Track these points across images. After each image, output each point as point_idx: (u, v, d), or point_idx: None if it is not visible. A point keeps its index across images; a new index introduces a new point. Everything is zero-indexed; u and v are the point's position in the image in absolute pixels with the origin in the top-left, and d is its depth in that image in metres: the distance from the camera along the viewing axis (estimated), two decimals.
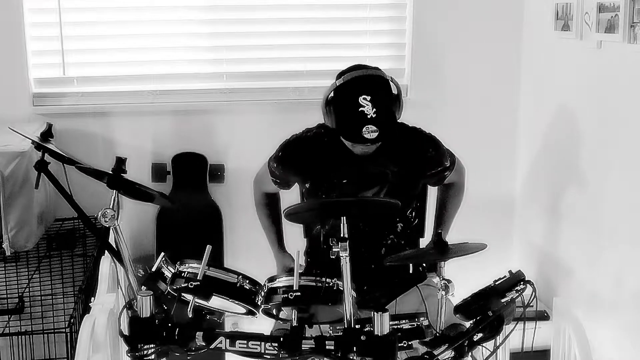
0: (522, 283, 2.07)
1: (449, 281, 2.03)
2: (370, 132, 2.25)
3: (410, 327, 2.07)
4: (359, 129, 2.25)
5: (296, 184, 2.67)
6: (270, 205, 2.75)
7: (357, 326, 1.94)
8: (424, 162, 2.57)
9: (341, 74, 2.38)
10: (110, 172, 2.13)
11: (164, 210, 3.44)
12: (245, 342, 1.96)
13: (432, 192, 2.78)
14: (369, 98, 2.25)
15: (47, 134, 2.33)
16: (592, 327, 2.81)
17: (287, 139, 2.63)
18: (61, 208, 3.24)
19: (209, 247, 2.04)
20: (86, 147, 3.41)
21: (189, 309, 2.04)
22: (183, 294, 2.05)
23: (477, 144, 3.72)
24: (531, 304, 2.05)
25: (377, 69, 2.41)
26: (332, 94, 2.34)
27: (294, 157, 2.59)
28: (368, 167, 2.53)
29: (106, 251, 2.50)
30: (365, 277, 2.47)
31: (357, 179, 2.54)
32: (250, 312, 2.10)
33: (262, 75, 3.62)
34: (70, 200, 2.28)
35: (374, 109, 2.25)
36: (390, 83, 2.37)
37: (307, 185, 2.60)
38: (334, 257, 1.93)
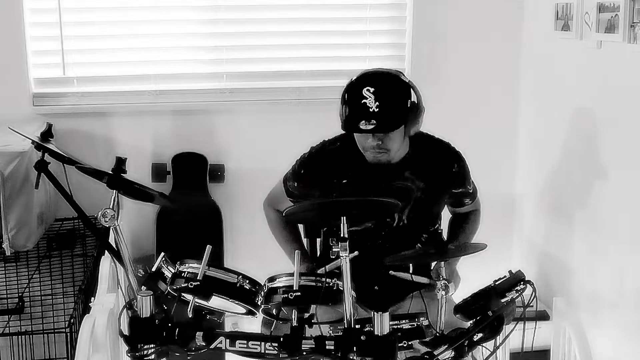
0: (522, 283, 2.07)
1: (449, 281, 2.03)
2: (367, 124, 2.22)
3: (410, 327, 2.06)
4: (358, 120, 2.23)
5: None
6: (289, 228, 2.63)
7: (357, 326, 1.94)
8: (449, 179, 2.50)
9: None
10: (110, 172, 2.13)
11: (164, 210, 3.44)
12: (245, 342, 1.96)
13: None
14: (372, 90, 2.22)
15: (47, 134, 2.33)
16: (592, 327, 2.81)
17: (305, 154, 2.54)
18: (61, 208, 3.25)
19: (209, 247, 2.04)
20: (86, 147, 3.41)
21: (189, 309, 2.03)
22: (183, 294, 2.05)
23: (477, 143, 3.71)
24: (531, 304, 2.05)
25: (398, 71, 2.37)
26: (345, 90, 2.32)
27: (316, 173, 2.50)
28: (391, 183, 2.44)
29: (106, 251, 2.50)
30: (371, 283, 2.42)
31: (378, 196, 2.34)
32: (250, 312, 2.10)
33: (262, 75, 3.62)
34: (70, 200, 2.27)
35: (377, 102, 2.21)
36: (411, 89, 2.31)
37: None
38: (334, 257, 1.93)
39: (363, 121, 2.22)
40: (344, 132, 2.38)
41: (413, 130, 2.38)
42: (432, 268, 2.40)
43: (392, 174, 2.43)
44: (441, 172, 2.47)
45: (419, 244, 2.50)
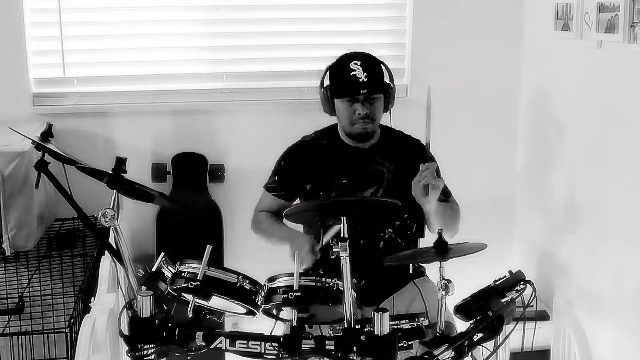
0: (522, 283, 2.07)
1: (449, 281, 2.03)
2: (361, 90, 2.52)
3: (410, 327, 2.06)
4: (352, 89, 2.52)
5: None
6: (275, 219, 2.74)
7: (357, 326, 1.94)
8: (419, 161, 2.56)
9: None
10: (110, 172, 2.13)
11: (164, 210, 3.44)
12: (245, 342, 1.96)
13: None
14: (359, 63, 2.54)
15: (47, 134, 2.33)
16: (592, 327, 2.81)
17: (285, 151, 2.73)
18: (61, 208, 3.24)
19: (209, 247, 2.04)
20: (86, 147, 3.41)
21: (189, 309, 2.04)
22: (183, 294, 2.05)
23: (477, 143, 3.72)
24: (531, 304, 2.05)
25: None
26: (326, 73, 2.62)
27: (295, 163, 2.70)
28: (365, 166, 2.64)
29: (106, 251, 2.50)
30: (364, 272, 2.49)
31: (356, 178, 2.62)
32: (250, 312, 2.11)
33: (262, 75, 3.62)
34: (70, 200, 2.28)
35: (365, 73, 2.52)
36: (385, 67, 2.61)
37: (308, 187, 2.63)
38: (333, 257, 1.93)
39: (358, 89, 2.51)
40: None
41: (390, 105, 2.64)
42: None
43: (365, 158, 2.65)
44: (410, 155, 2.65)
45: (391, 229, 2.64)
